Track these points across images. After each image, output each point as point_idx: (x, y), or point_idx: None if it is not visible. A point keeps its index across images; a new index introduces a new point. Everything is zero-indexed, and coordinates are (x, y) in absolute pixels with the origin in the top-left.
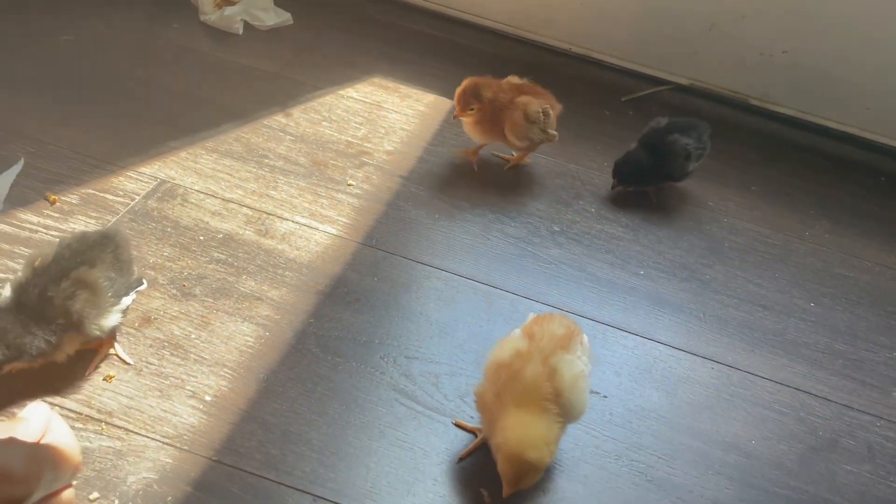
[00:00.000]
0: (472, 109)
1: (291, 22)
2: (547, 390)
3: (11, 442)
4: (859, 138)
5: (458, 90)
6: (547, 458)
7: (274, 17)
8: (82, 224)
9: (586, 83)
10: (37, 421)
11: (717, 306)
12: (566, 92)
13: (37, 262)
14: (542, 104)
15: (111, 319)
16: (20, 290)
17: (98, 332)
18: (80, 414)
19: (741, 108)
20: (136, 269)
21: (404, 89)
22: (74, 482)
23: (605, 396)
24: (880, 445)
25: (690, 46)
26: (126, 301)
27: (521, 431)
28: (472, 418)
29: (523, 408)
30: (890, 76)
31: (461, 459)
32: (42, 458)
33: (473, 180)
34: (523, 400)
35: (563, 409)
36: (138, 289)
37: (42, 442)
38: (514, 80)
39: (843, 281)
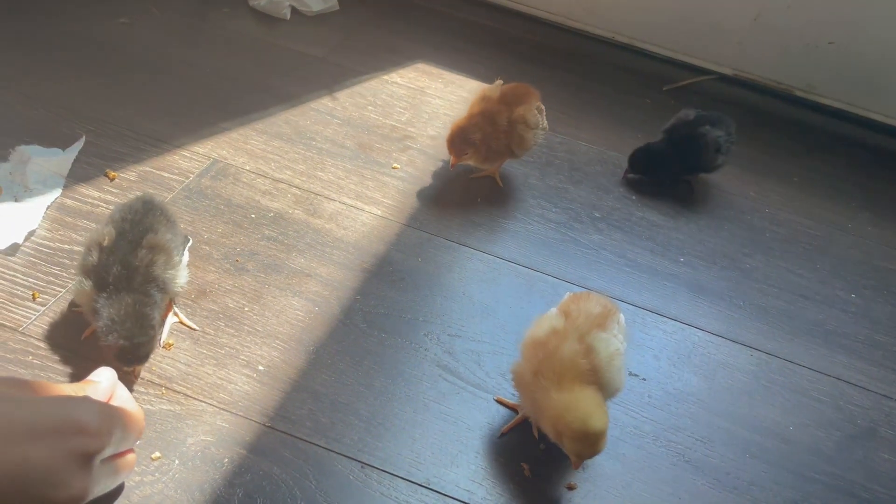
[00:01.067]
0: (467, 153)
1: (337, 8)
2: (584, 367)
3: (85, 399)
4: None
5: (448, 140)
6: (606, 419)
7: (320, 3)
8: None
9: (629, 72)
10: (105, 383)
11: (757, 295)
12: (608, 80)
13: (105, 242)
14: (534, 105)
15: (184, 276)
16: (100, 273)
17: (179, 290)
18: (143, 379)
19: (785, 99)
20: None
21: (448, 76)
22: (137, 444)
23: (644, 379)
24: None
25: (735, 36)
26: (186, 257)
27: (574, 410)
28: (512, 395)
29: (564, 387)
30: None
31: (503, 434)
32: (112, 417)
33: (515, 167)
34: (562, 378)
35: (600, 387)
36: (188, 245)
37: (110, 402)
38: (492, 92)
39: (885, 273)
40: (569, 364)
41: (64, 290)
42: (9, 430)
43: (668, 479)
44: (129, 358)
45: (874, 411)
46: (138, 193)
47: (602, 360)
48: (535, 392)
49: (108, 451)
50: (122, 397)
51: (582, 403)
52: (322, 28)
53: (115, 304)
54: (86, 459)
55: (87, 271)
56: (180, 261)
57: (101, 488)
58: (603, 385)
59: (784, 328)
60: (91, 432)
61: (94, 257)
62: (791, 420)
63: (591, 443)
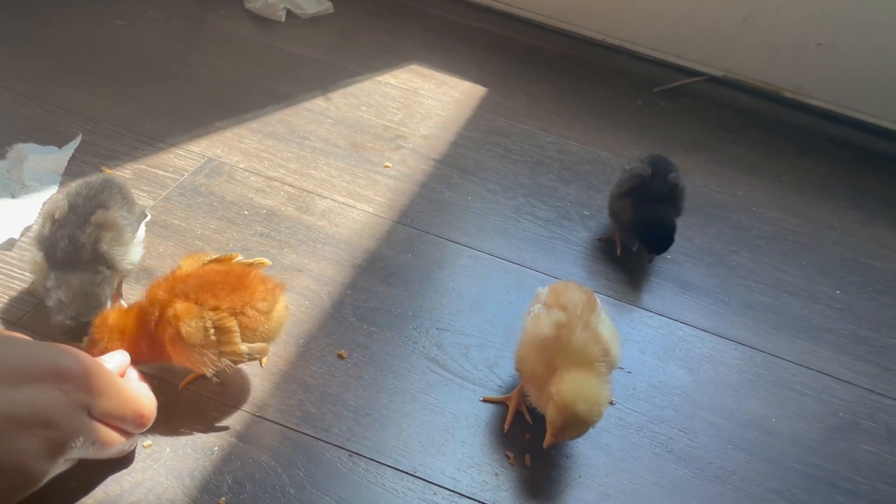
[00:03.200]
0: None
1: (332, 10)
2: (596, 352)
3: (74, 350)
4: (892, 132)
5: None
6: (595, 415)
7: (315, 6)
8: (135, 197)
9: (620, 73)
10: (113, 364)
11: (743, 291)
12: (600, 81)
13: (56, 214)
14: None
15: (136, 253)
16: (49, 246)
17: (130, 267)
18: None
19: (774, 100)
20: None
21: (441, 77)
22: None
23: (629, 372)
24: None
25: (724, 38)
26: (141, 233)
27: (575, 385)
28: (499, 388)
29: (579, 368)
30: None
31: (506, 431)
32: (101, 375)
33: (506, 166)
34: (578, 363)
35: (609, 364)
36: (145, 220)
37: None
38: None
39: (870, 270)
40: (583, 351)
41: None
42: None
43: (651, 468)
44: (78, 334)
45: (857, 404)
46: (134, 192)
47: (607, 340)
48: (548, 380)
49: (96, 409)
50: (132, 378)
51: (586, 386)
52: (317, 30)
53: (64, 286)
54: (73, 407)
55: (40, 242)
56: (132, 238)
57: (83, 452)
58: (612, 361)
59: (769, 323)
60: (75, 379)
61: (46, 229)
62: (774, 412)
63: (565, 419)
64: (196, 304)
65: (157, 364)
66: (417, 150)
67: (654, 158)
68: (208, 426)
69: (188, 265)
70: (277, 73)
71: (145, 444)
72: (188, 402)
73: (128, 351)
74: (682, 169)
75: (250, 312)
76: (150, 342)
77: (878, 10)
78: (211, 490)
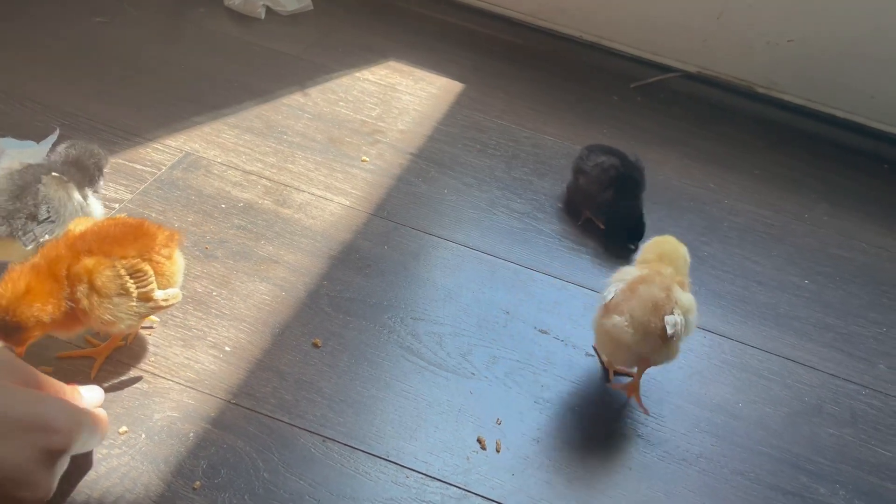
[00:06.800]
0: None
1: (311, 8)
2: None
3: (56, 399)
4: (864, 127)
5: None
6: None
7: (294, 3)
8: (112, 191)
9: (596, 69)
10: (90, 399)
11: (713, 281)
12: (576, 77)
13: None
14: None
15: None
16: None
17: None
18: (111, 358)
19: (748, 95)
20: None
21: (418, 73)
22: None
23: (591, 356)
24: (863, 412)
25: (699, 34)
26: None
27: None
28: (472, 375)
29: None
30: None
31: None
32: (81, 420)
33: (482, 160)
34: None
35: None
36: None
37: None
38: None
39: (839, 261)
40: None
41: None
42: None
43: (619, 451)
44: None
45: (821, 389)
46: (111, 185)
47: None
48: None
49: (73, 451)
50: (91, 398)
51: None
52: (296, 27)
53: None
54: (52, 457)
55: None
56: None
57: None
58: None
59: (737, 312)
60: (59, 431)
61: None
62: (740, 397)
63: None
64: (104, 255)
65: (70, 332)
66: (394, 145)
67: (600, 147)
68: (183, 413)
69: (78, 226)
70: (256, 69)
71: (121, 430)
72: (163, 390)
73: (46, 318)
74: (657, 162)
75: (156, 258)
76: (59, 303)
77: (849, 7)
78: (186, 475)
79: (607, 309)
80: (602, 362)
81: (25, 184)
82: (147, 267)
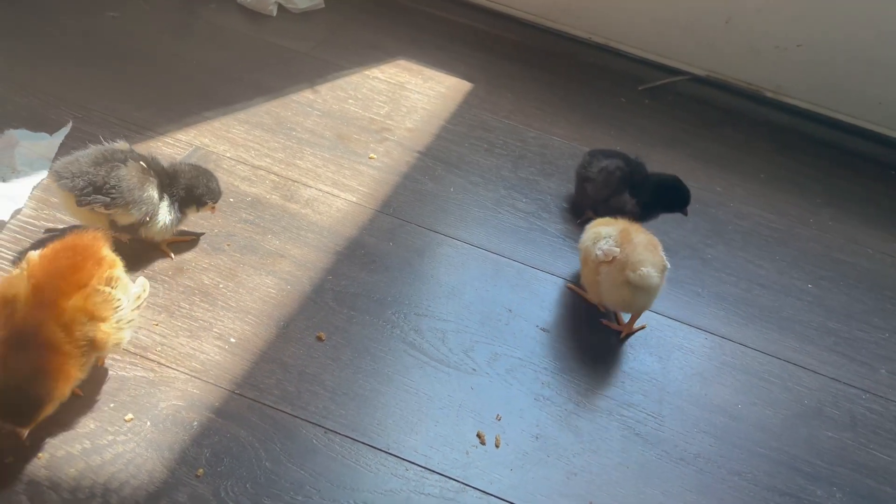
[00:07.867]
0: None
1: (323, 5)
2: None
3: None
4: (871, 132)
5: None
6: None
7: (306, 1)
8: None
9: (605, 71)
10: None
11: (716, 283)
12: (584, 78)
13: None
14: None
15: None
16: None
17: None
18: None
19: (755, 99)
20: None
21: (427, 72)
22: (111, 406)
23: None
24: (863, 416)
25: (707, 38)
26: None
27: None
28: (473, 371)
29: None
30: None
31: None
32: None
33: (489, 159)
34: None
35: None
36: None
37: None
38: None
39: (842, 265)
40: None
41: None
42: None
43: (618, 449)
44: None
45: (821, 392)
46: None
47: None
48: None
49: None
50: None
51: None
52: (307, 24)
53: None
54: None
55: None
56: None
57: None
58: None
59: (739, 314)
60: None
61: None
62: (740, 399)
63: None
64: (75, 287)
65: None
66: (402, 143)
67: (602, 152)
68: (188, 402)
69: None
70: (267, 65)
71: (127, 417)
72: (169, 379)
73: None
74: (663, 164)
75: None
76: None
77: (857, 13)
78: (189, 462)
79: (619, 264)
80: (587, 300)
81: (110, 157)
82: (115, 272)
